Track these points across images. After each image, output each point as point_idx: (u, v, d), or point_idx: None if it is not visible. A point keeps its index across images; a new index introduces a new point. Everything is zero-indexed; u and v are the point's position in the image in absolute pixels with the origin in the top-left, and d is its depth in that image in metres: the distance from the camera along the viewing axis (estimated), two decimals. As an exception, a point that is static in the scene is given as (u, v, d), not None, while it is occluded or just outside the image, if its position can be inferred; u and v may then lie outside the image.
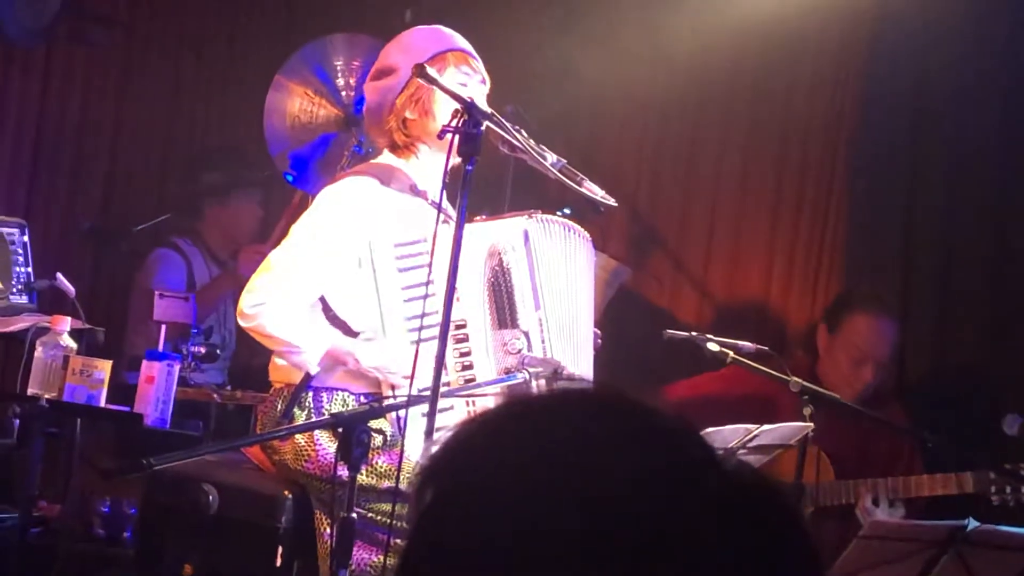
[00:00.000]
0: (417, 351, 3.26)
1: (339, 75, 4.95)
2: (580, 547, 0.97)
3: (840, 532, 4.30)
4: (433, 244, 3.29)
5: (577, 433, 1.02)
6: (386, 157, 3.74)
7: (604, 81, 5.61)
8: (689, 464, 1.02)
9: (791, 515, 1.04)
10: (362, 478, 3.32)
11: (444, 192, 3.44)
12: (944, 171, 5.25)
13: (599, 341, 3.89)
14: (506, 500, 0.99)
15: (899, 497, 4.50)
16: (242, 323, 3.58)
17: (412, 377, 3.24)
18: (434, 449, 1.06)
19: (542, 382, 3.41)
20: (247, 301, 3.54)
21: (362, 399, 3.58)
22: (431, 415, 3.11)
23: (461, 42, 3.72)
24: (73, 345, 4.03)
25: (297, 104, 4.93)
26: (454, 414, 3.52)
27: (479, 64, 3.71)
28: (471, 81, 3.64)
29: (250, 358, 5.38)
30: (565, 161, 3.50)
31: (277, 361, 3.68)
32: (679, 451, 1.03)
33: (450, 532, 1.01)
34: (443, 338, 3.15)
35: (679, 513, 0.98)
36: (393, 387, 3.57)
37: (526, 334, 3.63)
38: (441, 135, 3.36)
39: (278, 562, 3.60)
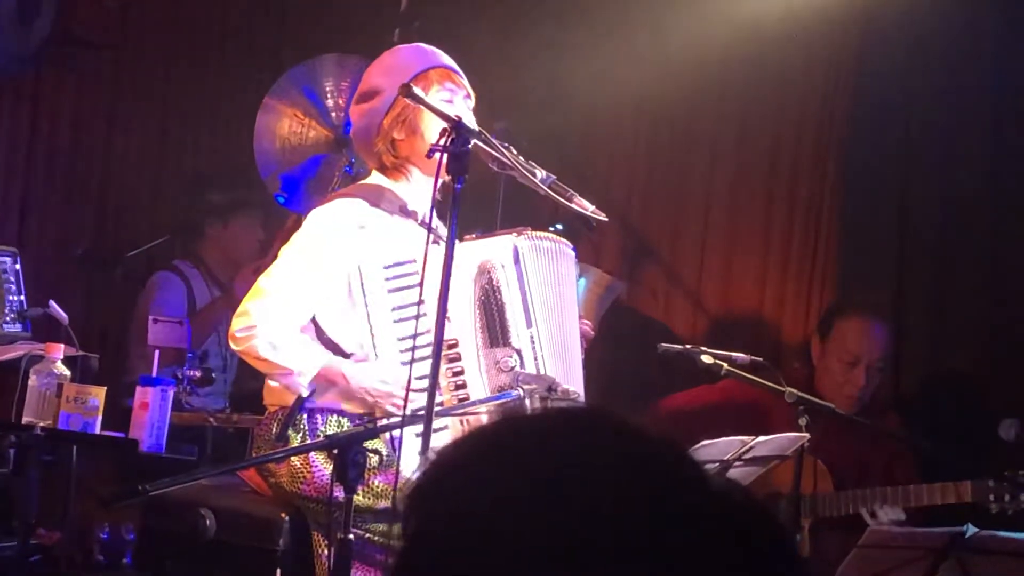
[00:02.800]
0: (410, 376, 3.25)
1: (328, 96, 4.95)
2: (565, 572, 0.97)
3: (840, 542, 4.29)
4: (424, 264, 3.28)
5: (563, 459, 1.02)
6: (376, 178, 3.73)
7: (594, 96, 5.61)
8: (675, 486, 1.02)
9: (779, 534, 1.04)
10: (359, 499, 3.31)
11: (434, 211, 3.42)
12: (937, 180, 5.25)
13: (592, 333, 3.88)
14: (490, 527, 0.99)
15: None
16: (233, 347, 3.58)
17: (405, 403, 3.24)
18: (417, 474, 1.06)
19: (536, 399, 3.40)
20: (237, 325, 3.54)
21: (357, 420, 3.57)
22: (426, 435, 3.10)
23: (443, 58, 3.71)
24: (67, 373, 4.02)
25: (287, 126, 4.93)
26: (448, 433, 3.51)
27: (463, 79, 3.69)
28: (456, 97, 3.63)
29: (250, 381, 5.36)
30: (555, 177, 3.50)
31: (271, 384, 3.67)
32: (666, 473, 1.03)
33: (435, 560, 1.01)
34: (436, 358, 3.15)
35: (665, 536, 0.98)
36: (377, 414, 3.56)
37: (518, 352, 3.62)
38: (430, 154, 3.34)
39: (277, 585, 3.60)
